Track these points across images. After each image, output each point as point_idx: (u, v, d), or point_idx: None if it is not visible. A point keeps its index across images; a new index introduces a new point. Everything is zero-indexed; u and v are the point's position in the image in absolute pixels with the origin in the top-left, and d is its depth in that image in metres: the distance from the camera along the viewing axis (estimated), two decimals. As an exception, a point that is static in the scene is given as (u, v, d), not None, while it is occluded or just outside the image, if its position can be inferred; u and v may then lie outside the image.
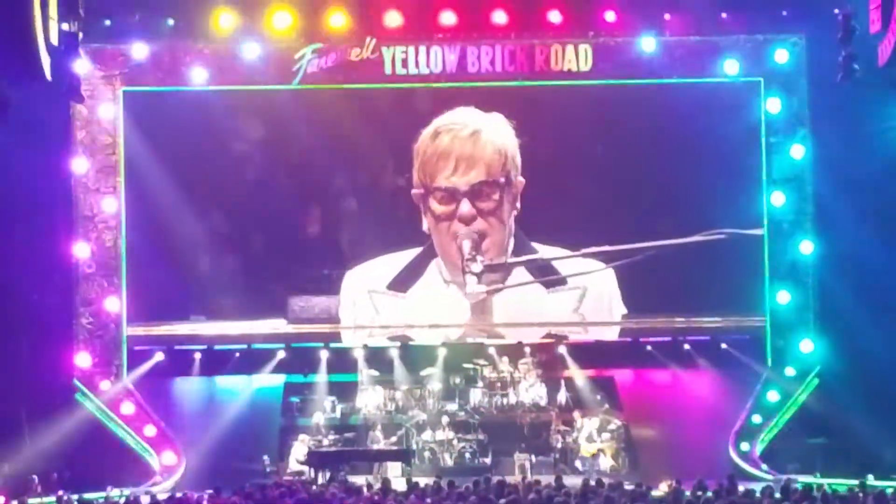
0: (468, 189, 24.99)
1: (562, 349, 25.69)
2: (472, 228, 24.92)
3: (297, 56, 25.07)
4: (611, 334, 25.87)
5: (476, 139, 25.12)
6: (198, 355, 25.31)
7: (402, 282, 25.43)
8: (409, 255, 25.46)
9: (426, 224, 25.28)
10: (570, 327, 25.86)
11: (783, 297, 25.27)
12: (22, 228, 23.48)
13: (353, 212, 25.72)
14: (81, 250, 24.79)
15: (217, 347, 25.38)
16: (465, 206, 24.99)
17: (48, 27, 19.87)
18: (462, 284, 24.77)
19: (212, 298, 25.44)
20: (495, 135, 25.12)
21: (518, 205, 25.24)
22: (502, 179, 25.08)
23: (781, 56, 25.25)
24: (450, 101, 25.27)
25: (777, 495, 16.61)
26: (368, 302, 25.52)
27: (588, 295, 25.45)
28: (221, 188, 25.28)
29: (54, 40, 20.11)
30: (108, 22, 24.24)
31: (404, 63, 25.23)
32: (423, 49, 25.24)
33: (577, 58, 25.18)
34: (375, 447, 24.19)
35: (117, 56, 24.85)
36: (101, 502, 19.05)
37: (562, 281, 25.34)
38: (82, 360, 24.70)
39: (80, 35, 21.17)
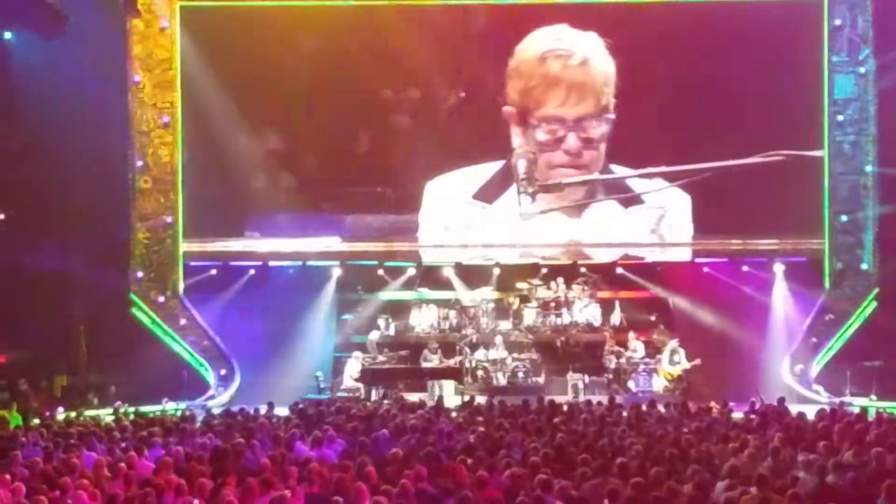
0: (575, 121, 24.59)
1: (619, 270, 25.52)
2: (574, 163, 24.32)
3: (354, -30, 24.85)
4: (683, 255, 25.57)
5: (587, 68, 24.49)
6: (252, 271, 25.43)
7: (488, 192, 25.02)
8: (492, 168, 24.94)
9: (517, 142, 24.71)
10: (644, 248, 25.54)
11: (842, 218, 24.92)
12: (81, 143, 23.58)
13: (408, 131, 25.54)
14: (138, 165, 24.88)
15: (272, 264, 25.49)
16: (573, 140, 24.49)
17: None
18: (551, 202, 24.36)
19: (266, 215, 25.51)
20: (602, 62, 24.52)
21: (607, 128, 24.88)
22: (610, 114, 24.51)
23: (847, -27, 24.68)
24: (510, 20, 24.84)
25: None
26: (455, 211, 25.15)
27: (667, 216, 25.12)
28: (276, 105, 25.20)
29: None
30: (164, -64, 24.15)
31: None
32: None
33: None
34: (429, 365, 24.27)
35: (174, -30, 24.75)
36: (158, 415, 19.29)
37: (638, 200, 24.95)
38: (139, 275, 24.89)
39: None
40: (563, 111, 24.58)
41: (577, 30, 24.62)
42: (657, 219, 25.11)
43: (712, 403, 18.99)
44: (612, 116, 24.57)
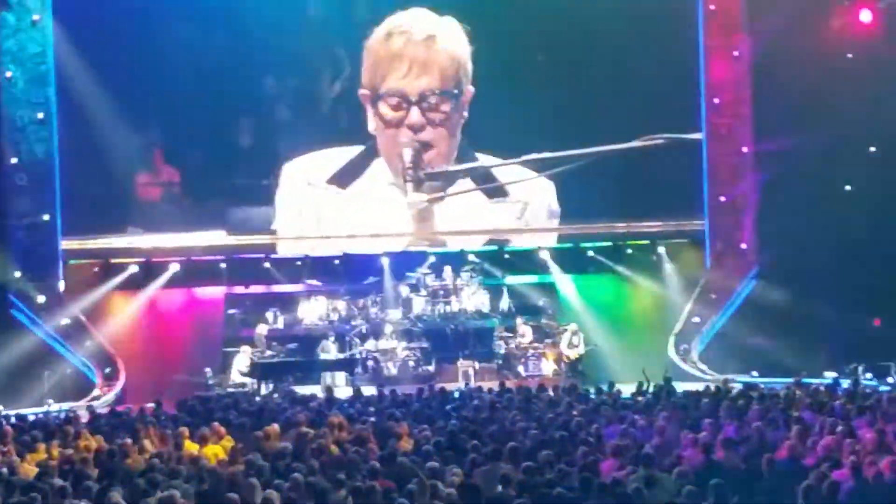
0: (418, 96, 24.71)
1: (505, 256, 25.71)
2: (417, 138, 24.73)
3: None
4: (550, 240, 25.87)
5: (430, 44, 24.80)
6: (135, 268, 25.01)
7: (343, 177, 25.14)
8: (351, 151, 25.14)
9: (372, 125, 25.00)
10: (511, 234, 25.84)
11: (721, 199, 25.39)
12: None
13: (289, 120, 25.41)
14: (13, 162, 24.25)
15: (155, 260, 25.11)
16: (415, 115, 24.74)
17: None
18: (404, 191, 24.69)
19: (149, 211, 25.12)
20: (450, 41, 24.82)
21: (465, 113, 25.02)
22: (455, 90, 24.81)
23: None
24: (386, 4, 24.91)
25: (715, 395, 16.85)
26: (308, 195, 25.17)
27: (530, 207, 25.45)
28: (156, 98, 24.78)
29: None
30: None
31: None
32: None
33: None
34: (327, 356, 24.12)
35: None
36: (41, 417, 18.86)
37: (503, 192, 25.29)
38: (17, 274, 24.29)
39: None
40: (405, 84, 24.77)
41: (433, 13, 24.77)
42: (521, 209, 25.40)
43: (601, 385, 19.23)
44: (460, 95, 24.76)
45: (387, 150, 25.03)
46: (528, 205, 25.46)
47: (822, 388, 17.74)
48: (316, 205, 25.25)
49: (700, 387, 18.75)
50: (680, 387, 18.37)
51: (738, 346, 24.35)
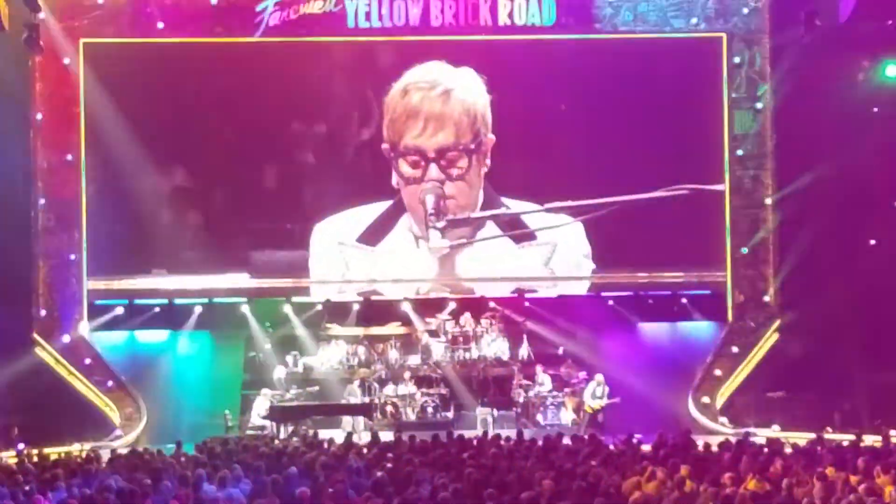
0: (436, 153, 24.88)
1: (525, 304, 25.72)
2: (436, 184, 24.82)
3: (258, 8, 24.88)
4: (579, 289, 25.89)
5: (446, 99, 24.93)
6: (158, 309, 25.17)
7: (372, 235, 25.31)
8: (379, 208, 25.32)
9: (395, 180, 25.19)
10: (538, 282, 25.84)
11: (744, 251, 25.41)
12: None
13: (316, 166, 25.61)
14: (41, 203, 24.53)
15: (178, 301, 25.26)
16: (434, 171, 24.83)
17: (5, -24, 19.60)
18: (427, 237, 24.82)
19: (173, 252, 25.27)
20: (466, 93, 24.95)
21: (488, 161, 25.15)
22: (472, 145, 24.93)
23: (744, 12, 25.27)
24: (416, 56, 25.13)
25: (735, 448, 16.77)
26: (338, 255, 25.36)
27: (558, 250, 25.45)
28: (183, 142, 25.03)
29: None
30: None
31: (367, 16, 25.09)
32: (385, 2, 25.09)
33: (540, 12, 25.11)
34: (353, 400, 24.14)
35: (77, 6, 24.53)
36: (62, 456, 18.93)
37: (531, 236, 25.31)
38: (42, 313, 24.51)
39: (38, -15, 20.91)
40: (422, 141, 24.88)
41: (449, 66, 24.96)
42: (549, 253, 25.43)
43: (620, 436, 19.15)
44: (479, 147, 24.87)
45: (411, 205, 25.12)
46: (556, 247, 25.45)
47: (845, 444, 17.63)
48: (345, 262, 25.38)
49: (720, 440, 18.67)
50: (700, 440, 18.29)
51: (760, 399, 24.25)
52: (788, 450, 16.72)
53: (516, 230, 25.31)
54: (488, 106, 25.00)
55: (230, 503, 12.80)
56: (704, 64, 25.28)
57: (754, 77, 25.38)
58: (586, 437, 18.89)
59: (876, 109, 24.11)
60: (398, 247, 25.30)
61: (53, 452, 19.64)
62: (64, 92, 24.67)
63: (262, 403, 23.91)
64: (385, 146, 25.12)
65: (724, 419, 24.36)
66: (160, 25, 24.69)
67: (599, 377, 24.09)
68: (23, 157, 24.35)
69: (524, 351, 25.33)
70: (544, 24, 25.16)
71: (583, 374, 24.52)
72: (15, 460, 18.20)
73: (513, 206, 25.24)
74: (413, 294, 25.62)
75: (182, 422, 23.31)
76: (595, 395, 23.95)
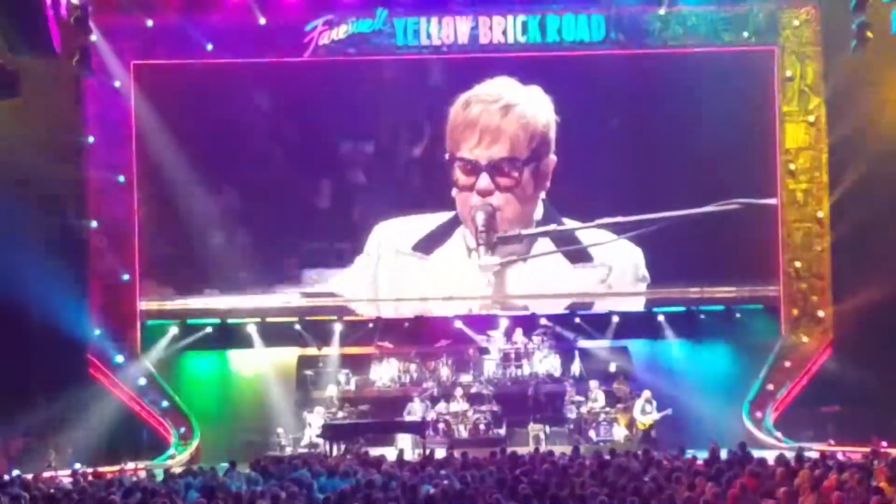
0: (488, 162, 24.94)
1: (577, 320, 25.62)
2: (486, 201, 24.90)
3: (307, 28, 25.03)
4: (636, 305, 25.74)
5: (504, 113, 24.98)
6: (210, 329, 25.31)
7: (428, 244, 25.36)
8: (440, 218, 25.38)
9: (455, 190, 25.25)
10: (592, 297, 25.70)
11: (797, 265, 25.19)
12: (34, 203, 23.41)
13: (366, 185, 25.70)
14: (94, 225, 24.79)
15: (230, 321, 25.39)
16: (484, 181, 24.92)
17: (57, 0, 19.83)
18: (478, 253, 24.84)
19: (225, 272, 25.42)
20: (527, 110, 24.98)
21: (548, 183, 25.10)
22: (525, 156, 24.94)
23: (795, 24, 25.13)
24: (467, 72, 25.20)
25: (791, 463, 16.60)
26: (393, 260, 25.43)
27: (614, 272, 25.38)
28: (233, 162, 25.27)
29: (63, 13, 20.06)
30: (118, -6, 24.24)
31: (416, 34, 25.19)
32: (434, 20, 25.18)
33: (589, 28, 25.09)
34: (412, 418, 24.12)
35: (128, 28, 24.80)
36: (117, 476, 19.05)
37: (587, 258, 25.23)
38: (96, 333, 24.72)
39: (90, 8, 21.12)
40: (476, 153, 24.93)
41: (518, 83, 24.94)
42: (605, 276, 25.34)
43: (673, 451, 19.00)
44: (535, 164, 24.85)
45: (463, 216, 25.20)
46: (611, 270, 25.38)
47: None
48: (397, 269, 25.45)
49: (774, 454, 18.47)
50: (754, 454, 18.09)
51: (814, 413, 24.00)
52: (843, 464, 16.52)
53: (570, 248, 25.23)
54: (552, 125, 24.96)
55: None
56: (755, 77, 25.15)
57: (806, 90, 25.21)
58: (640, 452, 18.74)
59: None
60: (452, 256, 25.34)
61: (108, 471, 19.78)
62: (115, 114, 24.95)
63: (315, 421, 23.96)
64: (446, 155, 25.16)
65: (778, 434, 24.11)
66: (209, 47, 24.89)
67: (647, 393, 23.92)
68: (75, 179, 24.58)
69: (576, 367, 25.21)
70: (593, 39, 25.12)
71: (633, 390, 24.38)
72: (71, 480, 18.32)
73: (567, 224, 25.19)
74: (465, 311, 25.58)
75: (235, 440, 23.40)
76: (644, 411, 23.79)
